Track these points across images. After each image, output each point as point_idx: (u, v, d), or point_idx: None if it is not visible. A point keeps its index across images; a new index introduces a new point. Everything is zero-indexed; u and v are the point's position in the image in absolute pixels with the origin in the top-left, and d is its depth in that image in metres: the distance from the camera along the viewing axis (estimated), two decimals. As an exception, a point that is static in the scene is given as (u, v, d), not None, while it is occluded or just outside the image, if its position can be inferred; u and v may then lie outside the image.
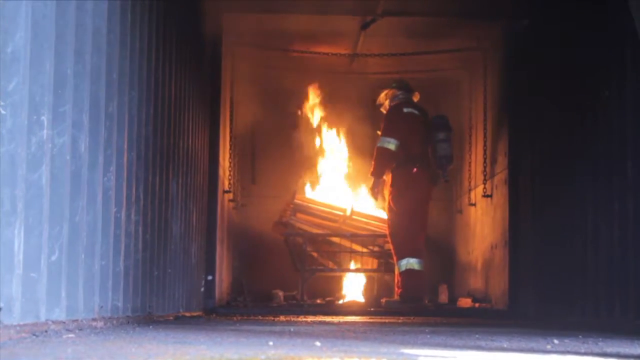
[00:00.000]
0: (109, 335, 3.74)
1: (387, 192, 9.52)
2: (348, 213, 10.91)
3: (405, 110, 9.51)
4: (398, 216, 9.28)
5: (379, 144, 9.42)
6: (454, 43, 10.45)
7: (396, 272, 9.30)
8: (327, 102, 12.21)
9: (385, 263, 10.50)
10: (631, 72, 5.96)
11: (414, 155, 9.33)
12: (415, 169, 9.28)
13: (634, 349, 3.66)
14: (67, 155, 3.73)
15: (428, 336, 4.39)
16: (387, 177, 9.47)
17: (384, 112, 9.74)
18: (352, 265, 10.96)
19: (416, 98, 9.79)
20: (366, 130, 11.73)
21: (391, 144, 9.28)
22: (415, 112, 9.55)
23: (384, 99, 9.80)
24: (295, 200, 11.02)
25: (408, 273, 9.11)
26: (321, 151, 12.31)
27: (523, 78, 8.93)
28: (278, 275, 11.48)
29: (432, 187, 9.50)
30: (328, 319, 7.45)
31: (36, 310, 3.40)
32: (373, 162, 9.50)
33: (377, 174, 9.47)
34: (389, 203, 9.42)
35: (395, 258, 9.31)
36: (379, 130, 9.70)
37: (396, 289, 9.32)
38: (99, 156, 4.27)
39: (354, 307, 9.71)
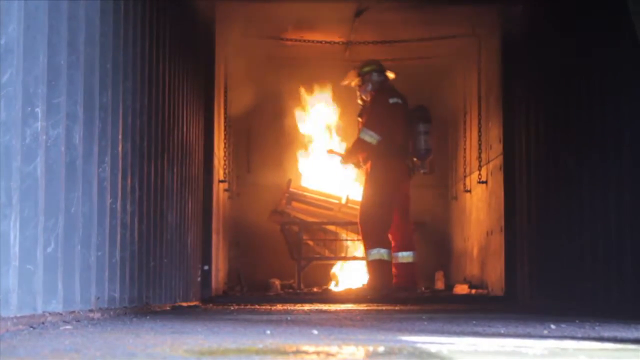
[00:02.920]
0: (106, 326, 3.75)
1: (363, 179, 9.46)
2: (343, 201, 10.91)
3: (391, 101, 9.34)
4: (374, 205, 9.14)
5: (361, 135, 9.28)
6: (447, 30, 10.43)
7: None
8: (320, 90, 12.19)
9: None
10: (627, 56, 5.96)
11: (396, 147, 9.25)
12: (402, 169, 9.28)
13: (631, 333, 3.67)
14: (62, 146, 3.72)
15: (425, 323, 4.40)
16: (367, 166, 9.36)
17: (364, 98, 9.59)
18: (348, 253, 10.97)
19: (393, 76, 9.65)
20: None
21: (373, 139, 9.16)
22: (400, 102, 9.41)
23: (360, 82, 9.59)
24: (291, 189, 11.02)
25: (379, 263, 9.01)
26: (313, 139, 12.29)
27: (517, 64, 8.93)
28: (274, 264, 11.49)
29: (410, 179, 9.43)
30: (325, 307, 7.46)
31: (33, 302, 3.40)
32: (349, 148, 9.51)
33: (348, 160, 9.51)
34: (365, 190, 9.32)
35: (365, 246, 9.16)
36: (360, 116, 9.57)
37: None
38: (93, 147, 4.27)
39: (350, 295, 9.72)
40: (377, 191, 9.18)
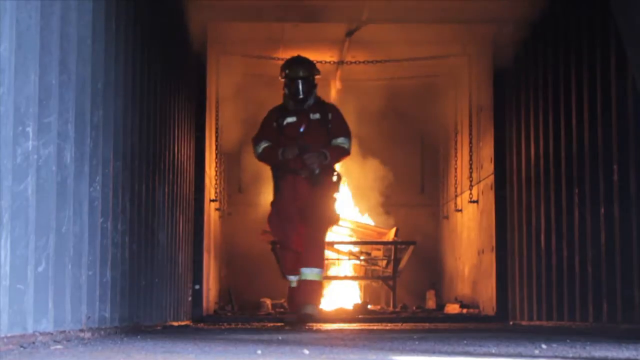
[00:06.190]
0: (96, 346, 3.73)
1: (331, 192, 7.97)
2: (335, 220, 10.88)
3: None
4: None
5: (349, 147, 7.92)
6: (439, 49, 10.48)
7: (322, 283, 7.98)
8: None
9: (371, 270, 10.48)
10: (615, 76, 5.99)
11: None
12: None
13: (621, 353, 3.67)
14: (53, 165, 3.72)
15: (416, 342, 4.39)
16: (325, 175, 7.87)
17: (307, 97, 8.04)
18: (339, 273, 10.95)
19: None
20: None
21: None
22: None
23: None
24: (282, 208, 10.99)
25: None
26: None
27: (508, 83, 8.96)
28: (266, 284, 11.47)
29: None
30: (316, 326, 7.44)
31: (23, 322, 3.39)
32: (337, 158, 7.88)
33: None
34: (331, 202, 7.95)
35: (323, 265, 8.00)
36: (337, 123, 7.97)
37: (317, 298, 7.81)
38: (84, 166, 4.26)
39: (341, 315, 9.70)
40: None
